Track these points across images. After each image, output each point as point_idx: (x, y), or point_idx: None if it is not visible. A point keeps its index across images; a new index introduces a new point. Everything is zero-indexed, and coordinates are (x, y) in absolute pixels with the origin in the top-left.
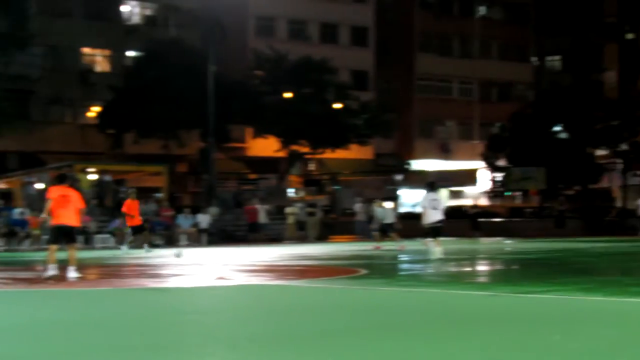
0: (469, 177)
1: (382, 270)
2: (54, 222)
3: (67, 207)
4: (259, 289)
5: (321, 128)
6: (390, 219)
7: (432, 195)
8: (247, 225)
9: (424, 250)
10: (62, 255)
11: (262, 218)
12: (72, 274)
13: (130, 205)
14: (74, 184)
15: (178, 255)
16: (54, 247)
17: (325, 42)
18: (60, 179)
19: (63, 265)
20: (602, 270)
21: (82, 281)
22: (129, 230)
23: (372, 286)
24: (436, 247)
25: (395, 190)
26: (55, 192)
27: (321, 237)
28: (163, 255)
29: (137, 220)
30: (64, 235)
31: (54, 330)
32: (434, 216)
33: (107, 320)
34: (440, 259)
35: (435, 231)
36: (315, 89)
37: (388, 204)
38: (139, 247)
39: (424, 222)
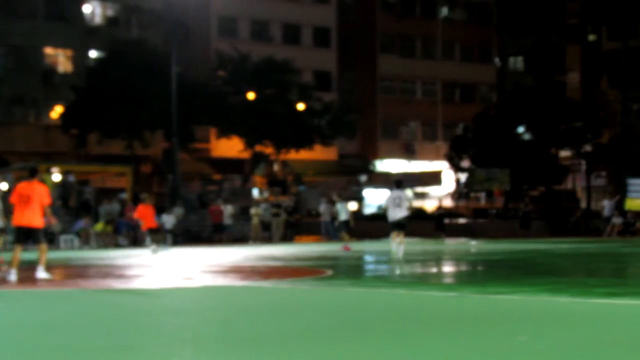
0: (433, 178)
1: (348, 270)
2: (14, 222)
3: (28, 207)
4: (225, 289)
5: (285, 129)
6: (344, 217)
7: (396, 192)
8: (211, 226)
9: (388, 250)
10: (30, 256)
11: (227, 219)
12: (41, 274)
13: (143, 211)
14: None
15: (155, 252)
16: (18, 247)
17: (287, 42)
18: (31, 174)
19: (33, 265)
20: (567, 271)
21: (47, 282)
22: (148, 235)
23: (338, 287)
24: (399, 243)
25: (360, 190)
26: (16, 192)
27: (286, 238)
28: (129, 256)
29: (152, 223)
30: (26, 236)
31: (17, 331)
32: (397, 213)
33: (72, 321)
34: (400, 260)
35: (398, 226)
36: (279, 90)
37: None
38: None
39: (388, 218)
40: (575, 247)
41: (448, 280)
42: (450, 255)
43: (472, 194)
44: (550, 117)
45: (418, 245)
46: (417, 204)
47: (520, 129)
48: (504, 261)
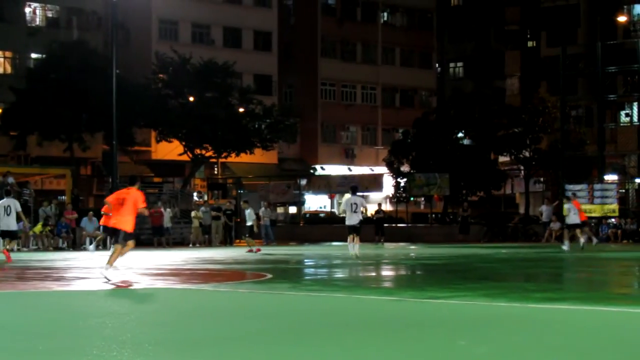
0: (373, 183)
1: (288, 274)
2: (102, 222)
3: (120, 210)
4: (164, 292)
5: (225, 132)
6: (250, 222)
7: (353, 198)
8: (151, 229)
9: (327, 254)
10: None
11: (167, 222)
12: (106, 271)
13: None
14: None
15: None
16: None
17: (228, 46)
18: (131, 181)
19: None
20: (506, 277)
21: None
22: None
23: (278, 290)
24: (355, 245)
25: (300, 195)
26: (114, 194)
27: (226, 241)
28: (69, 258)
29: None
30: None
31: None
32: (354, 218)
33: (9, 323)
34: (353, 261)
35: (354, 230)
36: (219, 93)
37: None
38: None
39: (346, 223)
40: (513, 252)
41: (388, 284)
42: (390, 259)
43: (412, 199)
44: (489, 123)
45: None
46: None
47: (460, 134)
48: (443, 266)
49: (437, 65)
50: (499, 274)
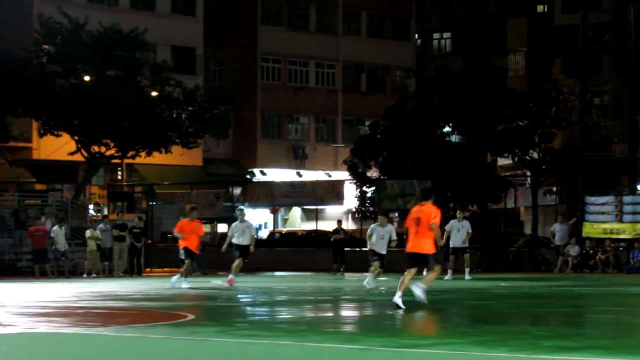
0: (330, 193)
1: (217, 313)
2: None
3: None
4: (48, 338)
5: (132, 123)
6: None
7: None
8: (32, 253)
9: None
10: None
11: (61, 243)
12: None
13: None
14: None
15: None
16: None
17: (137, 8)
18: (424, 196)
19: None
20: (507, 318)
21: None
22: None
23: (202, 336)
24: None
25: (232, 207)
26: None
27: (133, 270)
28: None
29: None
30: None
31: None
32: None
33: None
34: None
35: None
36: (124, 71)
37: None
38: None
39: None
40: (516, 285)
41: (349, 328)
42: (352, 294)
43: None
44: (485, 114)
45: (310, 280)
46: (309, 226)
47: (446, 129)
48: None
49: (416, 36)
50: (498, 314)
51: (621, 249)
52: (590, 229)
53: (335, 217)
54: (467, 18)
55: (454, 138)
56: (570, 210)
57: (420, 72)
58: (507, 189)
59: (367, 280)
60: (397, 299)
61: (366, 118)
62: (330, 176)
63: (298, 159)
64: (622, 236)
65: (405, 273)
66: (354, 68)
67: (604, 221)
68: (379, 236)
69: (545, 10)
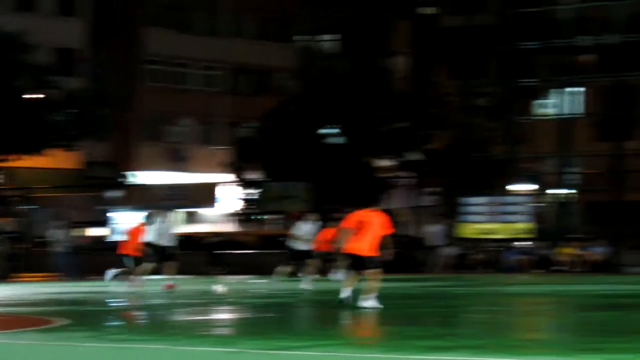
0: (206, 195)
1: (90, 318)
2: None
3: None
4: None
5: (8, 125)
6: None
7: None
8: None
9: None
10: None
11: None
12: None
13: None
14: None
15: None
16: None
17: (19, 9)
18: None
19: None
20: (381, 318)
21: None
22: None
23: (72, 341)
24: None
25: (108, 211)
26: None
27: (6, 275)
28: None
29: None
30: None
31: None
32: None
33: None
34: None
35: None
36: (1, 73)
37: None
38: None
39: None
40: (393, 286)
41: (224, 331)
42: (229, 297)
43: (263, 217)
44: (368, 115)
45: (187, 284)
46: (189, 229)
47: (329, 130)
48: (299, 305)
49: (301, 37)
50: (372, 315)
51: (497, 249)
52: (467, 230)
53: (212, 219)
54: (352, 20)
55: (336, 140)
56: (448, 211)
57: (305, 74)
58: (386, 190)
59: (304, 281)
60: (345, 295)
61: (249, 120)
62: (209, 179)
63: (179, 161)
64: (497, 236)
65: (347, 274)
66: (237, 70)
67: (480, 222)
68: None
69: (432, 12)
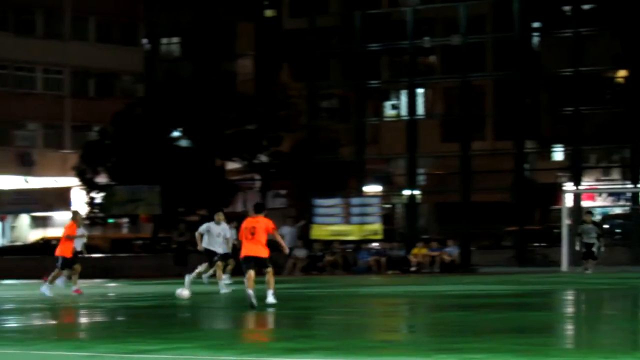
0: (58, 199)
1: None
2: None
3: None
4: None
5: None
6: None
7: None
8: None
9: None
10: None
11: None
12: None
13: None
14: None
15: None
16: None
17: None
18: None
19: None
20: (237, 322)
21: None
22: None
23: None
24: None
25: None
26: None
27: None
28: None
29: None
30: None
31: None
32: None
33: None
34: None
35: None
36: None
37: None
38: None
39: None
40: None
41: (78, 335)
42: (80, 301)
43: (111, 220)
44: (214, 118)
45: (29, 289)
46: (37, 234)
47: (176, 133)
48: (153, 309)
49: (145, 41)
50: (227, 318)
51: (349, 250)
52: (319, 231)
53: (63, 223)
54: (195, 22)
55: (183, 142)
56: (299, 212)
57: (150, 77)
58: (236, 192)
59: (220, 285)
60: (252, 299)
61: (95, 124)
62: (58, 182)
63: (26, 165)
64: (349, 237)
65: (246, 275)
66: (82, 73)
67: (332, 223)
68: (215, 234)
69: (274, 14)
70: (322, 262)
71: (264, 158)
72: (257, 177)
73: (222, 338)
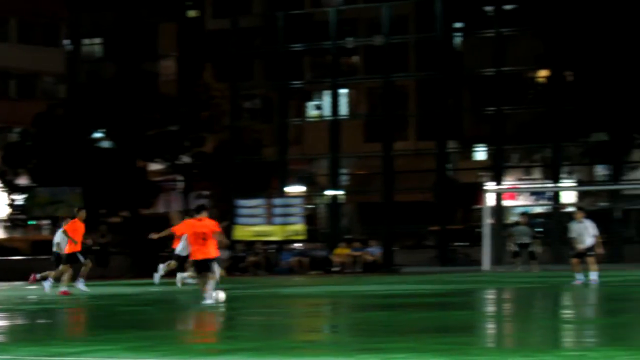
0: None
1: None
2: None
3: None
4: None
5: None
6: None
7: None
8: None
9: None
10: None
11: None
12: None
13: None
14: None
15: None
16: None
17: None
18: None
19: None
20: (159, 323)
21: None
22: None
23: None
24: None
25: None
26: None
27: None
28: None
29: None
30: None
31: None
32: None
33: None
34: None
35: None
36: None
37: None
38: None
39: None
40: (170, 290)
41: None
42: (2, 304)
43: (32, 222)
44: (137, 119)
45: None
46: None
47: (98, 134)
48: (75, 311)
49: (67, 41)
50: (150, 320)
51: (272, 250)
52: (242, 232)
53: None
54: (118, 23)
55: (106, 144)
56: (222, 213)
57: (71, 78)
58: (158, 194)
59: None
60: (209, 300)
61: (16, 125)
62: None
63: None
64: (272, 238)
65: (200, 278)
66: (2, 74)
67: (254, 224)
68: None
69: (197, 15)
70: (245, 262)
71: (186, 159)
72: (179, 178)
73: (146, 339)
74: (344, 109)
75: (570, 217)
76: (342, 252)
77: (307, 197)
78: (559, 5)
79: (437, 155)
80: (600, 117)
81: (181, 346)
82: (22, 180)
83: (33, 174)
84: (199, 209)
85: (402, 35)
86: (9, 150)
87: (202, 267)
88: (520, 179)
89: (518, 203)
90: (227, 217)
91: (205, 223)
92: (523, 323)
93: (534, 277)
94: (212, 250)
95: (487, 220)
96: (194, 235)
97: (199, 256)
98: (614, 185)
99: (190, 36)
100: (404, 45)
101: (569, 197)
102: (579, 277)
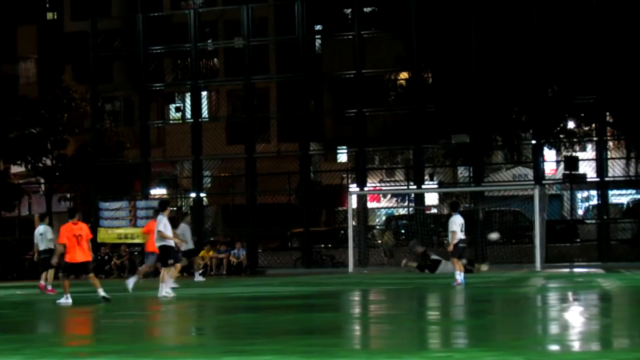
0: None
1: None
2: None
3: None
4: None
5: None
6: None
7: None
8: None
9: None
10: None
11: None
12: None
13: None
14: None
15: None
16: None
17: None
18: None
19: None
20: (23, 326)
21: None
22: None
23: None
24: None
25: None
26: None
27: None
28: None
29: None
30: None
31: None
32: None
33: None
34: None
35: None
36: None
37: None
38: None
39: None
40: (34, 293)
41: None
42: None
43: None
44: None
45: None
46: None
47: None
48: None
49: None
50: (14, 322)
51: (136, 253)
52: (105, 235)
53: None
54: None
55: None
56: (85, 216)
57: None
58: (20, 196)
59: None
60: (102, 293)
61: None
62: None
63: None
64: (136, 240)
65: (63, 279)
66: None
67: (118, 226)
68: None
69: (55, 17)
70: (110, 265)
71: (48, 161)
72: (41, 180)
73: (11, 342)
74: (205, 111)
75: (435, 218)
76: (206, 254)
77: (170, 199)
78: (418, 7)
79: (300, 158)
80: (461, 118)
81: (46, 349)
82: None
83: None
84: (72, 213)
85: (263, 38)
86: None
87: (81, 269)
88: (382, 181)
89: (382, 205)
90: (90, 220)
91: (81, 226)
92: (388, 324)
93: (397, 278)
94: (88, 254)
95: (352, 223)
96: (71, 238)
97: (79, 259)
98: (476, 187)
99: (50, 38)
100: (264, 47)
101: (431, 199)
102: (459, 277)
